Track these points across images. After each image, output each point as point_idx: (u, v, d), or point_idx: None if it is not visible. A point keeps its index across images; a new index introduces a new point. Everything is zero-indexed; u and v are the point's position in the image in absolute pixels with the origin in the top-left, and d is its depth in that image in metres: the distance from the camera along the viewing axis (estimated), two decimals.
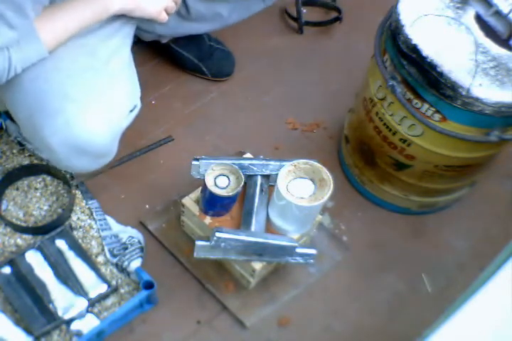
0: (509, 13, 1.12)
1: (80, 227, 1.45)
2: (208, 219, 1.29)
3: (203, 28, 1.59)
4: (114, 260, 1.39)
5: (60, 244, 1.40)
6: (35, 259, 1.38)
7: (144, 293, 1.32)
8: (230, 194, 1.21)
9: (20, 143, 1.53)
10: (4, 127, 1.53)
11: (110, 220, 1.46)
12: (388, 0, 1.29)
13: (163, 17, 1.29)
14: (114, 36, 1.27)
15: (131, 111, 1.26)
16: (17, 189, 1.49)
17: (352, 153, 1.53)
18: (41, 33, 1.12)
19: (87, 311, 1.34)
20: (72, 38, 1.18)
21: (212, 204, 1.26)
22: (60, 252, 1.39)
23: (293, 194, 1.17)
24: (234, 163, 1.23)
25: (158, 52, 1.73)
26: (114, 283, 1.38)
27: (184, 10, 1.51)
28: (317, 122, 1.68)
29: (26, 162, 1.52)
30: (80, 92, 1.17)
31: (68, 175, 1.48)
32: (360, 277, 1.47)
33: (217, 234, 1.19)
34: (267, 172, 1.29)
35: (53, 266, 1.37)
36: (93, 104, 1.18)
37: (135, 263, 1.37)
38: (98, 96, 1.19)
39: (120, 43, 1.29)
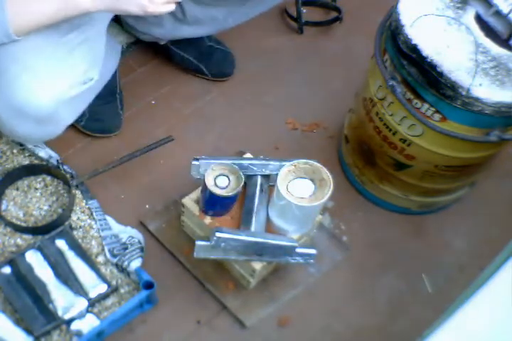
0: (509, 13, 1.12)
1: (80, 227, 1.45)
2: (208, 219, 1.29)
3: (199, 31, 1.59)
4: (114, 260, 1.39)
5: (60, 244, 1.40)
6: (35, 259, 1.38)
7: (144, 293, 1.32)
8: (230, 194, 1.20)
9: (20, 143, 1.52)
10: None
11: (110, 220, 1.46)
12: (388, 0, 1.29)
13: (152, 9, 1.11)
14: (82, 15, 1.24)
15: (85, 83, 1.25)
16: (17, 189, 1.49)
17: (352, 153, 1.53)
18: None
19: (87, 311, 1.34)
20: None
21: (212, 204, 1.26)
22: (60, 252, 1.39)
23: (293, 194, 1.17)
24: (234, 163, 1.23)
25: (158, 53, 1.73)
26: (114, 283, 1.38)
27: (180, 13, 1.51)
28: (317, 122, 1.68)
29: (26, 162, 1.52)
30: (29, 57, 1.17)
31: (68, 175, 1.48)
32: (360, 277, 1.47)
33: (217, 234, 1.19)
34: (267, 172, 1.29)
35: (53, 266, 1.37)
36: (39, 67, 1.18)
37: (135, 263, 1.37)
38: (47, 62, 1.19)
39: (88, 23, 1.25)
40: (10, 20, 1.08)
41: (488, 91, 1.10)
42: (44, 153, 1.51)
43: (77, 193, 1.49)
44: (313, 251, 1.26)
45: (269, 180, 1.30)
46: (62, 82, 1.20)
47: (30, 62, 1.17)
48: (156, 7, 1.11)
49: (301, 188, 1.18)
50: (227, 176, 1.23)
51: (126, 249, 1.39)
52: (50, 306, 1.33)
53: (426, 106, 1.19)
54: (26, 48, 1.16)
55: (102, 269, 1.40)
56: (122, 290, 1.39)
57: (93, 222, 1.46)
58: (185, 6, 1.49)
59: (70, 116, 1.30)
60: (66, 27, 1.20)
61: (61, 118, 1.28)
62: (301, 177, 1.18)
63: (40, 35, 1.16)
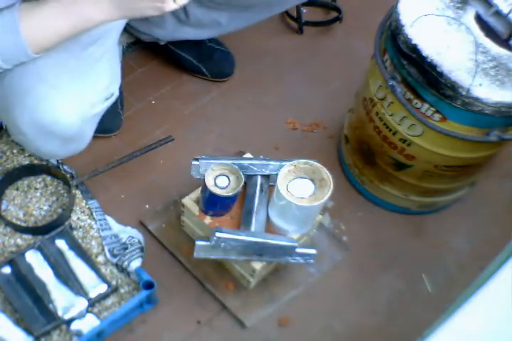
0: (509, 13, 1.12)
1: (80, 227, 1.45)
2: (208, 219, 1.29)
3: (200, 34, 1.59)
4: (114, 260, 1.39)
5: (60, 244, 1.40)
6: (35, 259, 1.38)
7: (144, 293, 1.32)
8: (230, 194, 1.21)
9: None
10: (4, 127, 1.53)
11: (110, 220, 1.46)
12: (388, 0, 1.30)
13: (169, 7, 1.05)
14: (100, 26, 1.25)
15: (107, 98, 1.26)
16: (17, 189, 1.49)
17: (352, 153, 1.53)
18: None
19: (87, 311, 1.34)
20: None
21: (212, 204, 1.26)
22: (60, 252, 1.39)
23: (293, 194, 1.17)
24: (234, 163, 1.23)
25: (158, 53, 1.73)
26: (114, 283, 1.38)
27: (183, 14, 1.51)
28: (317, 122, 1.68)
29: (26, 162, 1.52)
30: (53, 74, 1.17)
31: (68, 175, 1.48)
32: (360, 277, 1.47)
33: (217, 234, 1.19)
34: (267, 172, 1.29)
35: (53, 266, 1.37)
36: (65, 85, 1.18)
37: (135, 263, 1.37)
38: (71, 79, 1.19)
39: (106, 34, 1.26)
40: (27, 41, 1.08)
41: (488, 91, 1.10)
42: None
43: (77, 193, 1.49)
44: (313, 251, 1.26)
45: (269, 180, 1.30)
46: (86, 100, 1.21)
47: (55, 80, 1.17)
48: (171, 4, 1.05)
49: (301, 188, 1.18)
50: (227, 176, 1.23)
51: (126, 249, 1.39)
52: (50, 306, 1.33)
53: (426, 106, 1.19)
54: (50, 65, 1.16)
55: (102, 269, 1.40)
56: (122, 290, 1.39)
57: (93, 222, 1.46)
58: (189, 7, 1.49)
59: (91, 131, 1.31)
60: (86, 40, 1.20)
61: (85, 134, 1.29)
62: (301, 177, 1.18)
63: (62, 51, 1.15)
